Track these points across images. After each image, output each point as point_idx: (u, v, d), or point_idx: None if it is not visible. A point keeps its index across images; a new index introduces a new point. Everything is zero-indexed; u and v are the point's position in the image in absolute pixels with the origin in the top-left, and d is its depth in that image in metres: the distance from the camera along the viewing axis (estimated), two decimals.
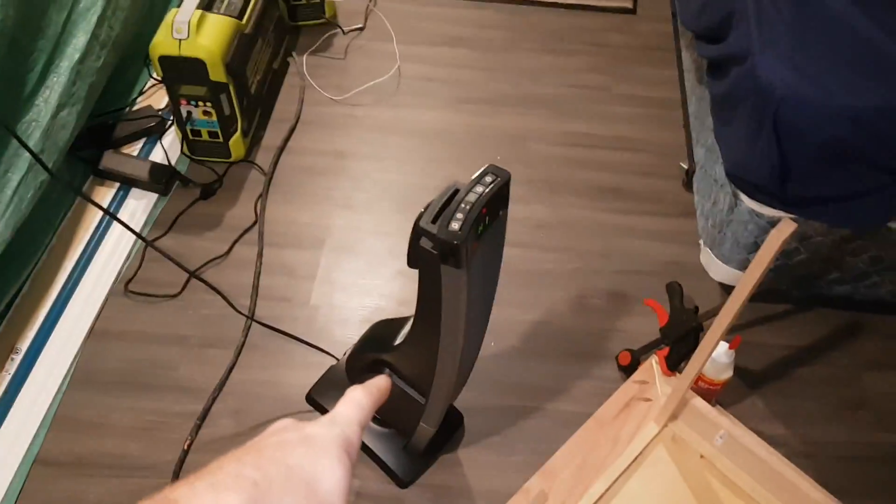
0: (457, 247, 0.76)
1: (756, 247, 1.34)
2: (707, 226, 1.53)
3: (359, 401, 0.48)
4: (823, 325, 1.51)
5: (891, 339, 1.49)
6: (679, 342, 1.30)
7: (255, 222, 1.60)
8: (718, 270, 1.48)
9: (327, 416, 0.46)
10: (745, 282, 0.94)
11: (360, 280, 1.52)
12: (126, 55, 1.74)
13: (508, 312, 1.46)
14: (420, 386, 1.07)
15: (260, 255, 1.53)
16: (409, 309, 1.01)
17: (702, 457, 1.20)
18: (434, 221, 0.79)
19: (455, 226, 0.77)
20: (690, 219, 1.65)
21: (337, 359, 1.34)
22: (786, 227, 0.88)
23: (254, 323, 1.40)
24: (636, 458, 1.18)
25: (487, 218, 0.82)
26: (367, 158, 1.77)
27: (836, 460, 1.30)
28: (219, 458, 0.40)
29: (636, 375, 1.32)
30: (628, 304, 1.51)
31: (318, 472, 0.40)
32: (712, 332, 1.03)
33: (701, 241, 1.56)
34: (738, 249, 1.39)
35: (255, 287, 1.48)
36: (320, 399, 1.28)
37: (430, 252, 0.79)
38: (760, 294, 1.50)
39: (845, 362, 1.45)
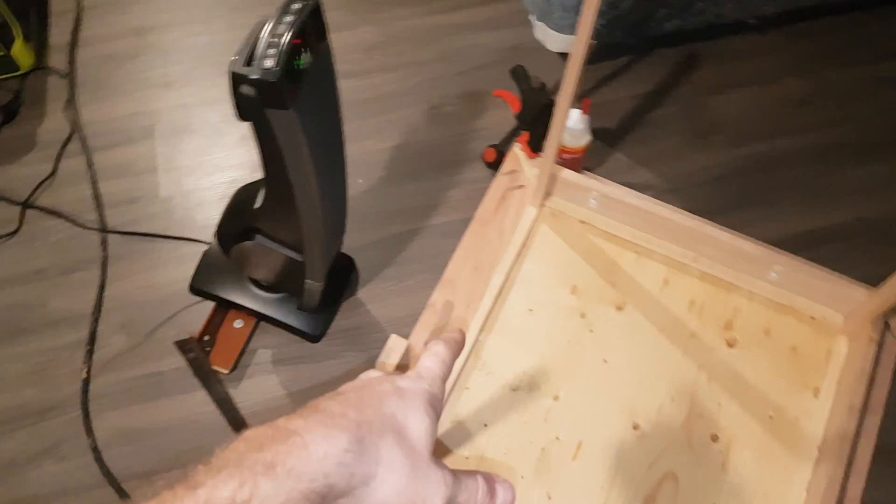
0: (274, 85, 0.70)
1: None
2: None
3: (441, 356, 0.53)
4: (663, 65, 1.54)
5: (724, 60, 1.55)
6: (536, 123, 1.30)
7: (72, 131, 1.46)
8: (555, 41, 1.48)
9: (414, 371, 0.51)
10: (578, 41, 0.93)
11: (204, 158, 1.43)
12: None
13: (366, 145, 1.42)
14: (294, 244, 1.04)
15: (90, 163, 1.41)
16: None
17: (582, 222, 1.24)
18: (248, 64, 0.72)
19: (269, 63, 0.71)
20: None
21: (207, 243, 1.29)
22: None
23: (109, 234, 1.32)
24: (524, 243, 1.22)
25: (306, 49, 0.76)
26: (170, 26, 1.62)
27: (700, 186, 1.38)
28: (315, 400, 0.45)
29: (504, 168, 1.33)
30: (480, 102, 1.49)
31: (408, 422, 0.45)
32: (561, 103, 1.03)
33: (532, 17, 1.54)
34: (567, 14, 1.38)
35: (97, 197, 1.37)
36: (205, 287, 1.23)
37: (252, 98, 0.73)
38: (599, 53, 1.52)
39: (690, 94, 1.50)
